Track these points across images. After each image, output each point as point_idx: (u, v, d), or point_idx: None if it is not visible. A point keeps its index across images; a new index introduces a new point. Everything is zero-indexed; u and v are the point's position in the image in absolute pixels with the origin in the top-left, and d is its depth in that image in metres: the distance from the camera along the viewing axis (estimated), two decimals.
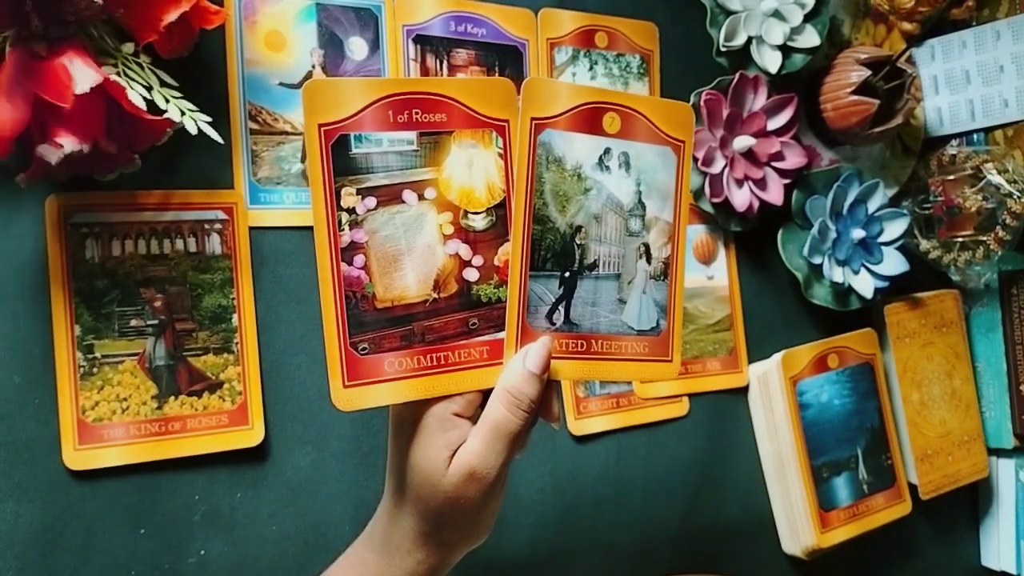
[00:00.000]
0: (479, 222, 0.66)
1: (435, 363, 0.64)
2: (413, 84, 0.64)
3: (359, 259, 0.63)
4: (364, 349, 0.63)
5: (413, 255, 0.64)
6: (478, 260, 0.66)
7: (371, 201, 0.63)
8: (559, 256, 0.67)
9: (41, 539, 0.80)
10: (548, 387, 0.66)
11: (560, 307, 0.67)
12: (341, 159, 0.62)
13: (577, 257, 0.68)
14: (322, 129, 0.61)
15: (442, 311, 0.65)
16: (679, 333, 0.72)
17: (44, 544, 0.80)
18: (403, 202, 0.64)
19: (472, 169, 0.66)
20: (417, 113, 0.63)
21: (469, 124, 0.65)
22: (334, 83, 0.66)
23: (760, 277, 1.18)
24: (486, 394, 0.65)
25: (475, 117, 0.65)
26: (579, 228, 0.67)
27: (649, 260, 0.70)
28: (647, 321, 0.71)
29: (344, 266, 0.63)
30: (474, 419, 0.65)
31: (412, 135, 0.64)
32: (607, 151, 0.68)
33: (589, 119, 0.67)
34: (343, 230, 0.62)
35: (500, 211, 0.67)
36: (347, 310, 0.63)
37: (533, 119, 0.65)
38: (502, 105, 0.66)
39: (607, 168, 0.68)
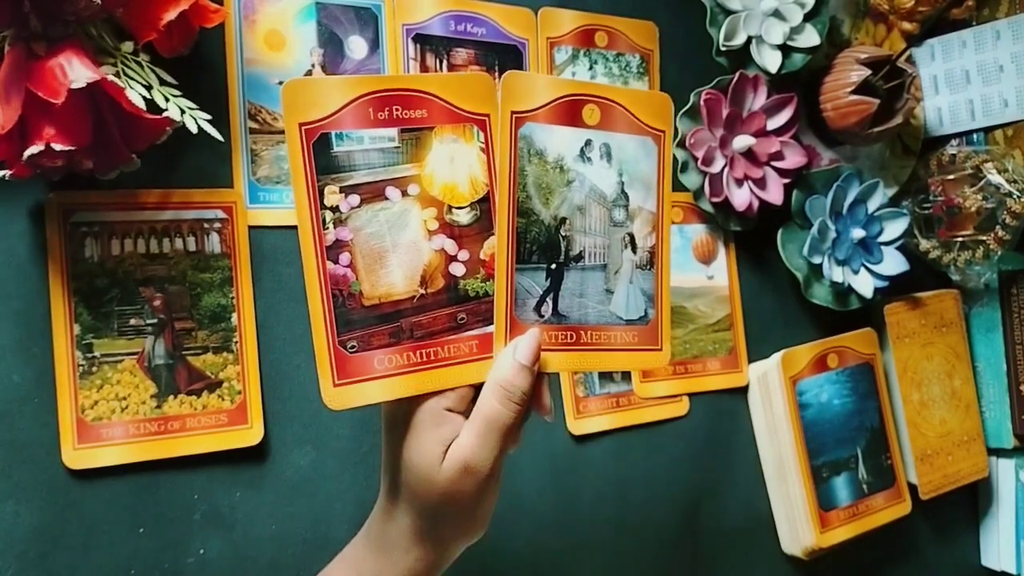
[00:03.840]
0: (463, 217, 0.66)
1: (425, 359, 0.64)
2: (392, 81, 0.64)
3: (344, 257, 0.63)
4: (353, 347, 0.63)
5: (398, 251, 0.64)
6: (464, 255, 0.66)
7: (354, 199, 0.63)
8: (545, 248, 0.67)
9: (41, 539, 0.80)
10: (539, 379, 0.66)
11: (548, 299, 0.67)
12: (323, 157, 0.62)
13: (563, 249, 0.68)
14: (303, 128, 0.62)
15: (430, 307, 0.65)
16: (667, 321, 0.72)
17: (44, 544, 0.80)
18: (387, 199, 0.64)
19: (454, 164, 0.66)
20: (397, 110, 0.64)
21: (450, 119, 0.65)
22: (313, 82, 0.67)
23: (760, 277, 1.18)
24: (477, 388, 0.65)
25: (455, 112, 0.66)
26: (563, 220, 0.68)
27: (635, 250, 0.71)
28: (635, 310, 0.71)
29: (330, 264, 0.63)
30: (466, 414, 0.65)
31: (393, 132, 0.64)
32: (588, 142, 0.68)
33: (569, 111, 0.67)
34: (327, 228, 0.63)
35: (484, 205, 0.67)
36: (334, 308, 0.63)
37: (513, 112, 0.65)
38: (482, 99, 0.66)
39: (589, 159, 0.68)
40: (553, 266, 0.67)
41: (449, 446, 0.63)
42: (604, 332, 0.70)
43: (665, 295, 0.72)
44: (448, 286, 0.66)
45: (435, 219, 0.65)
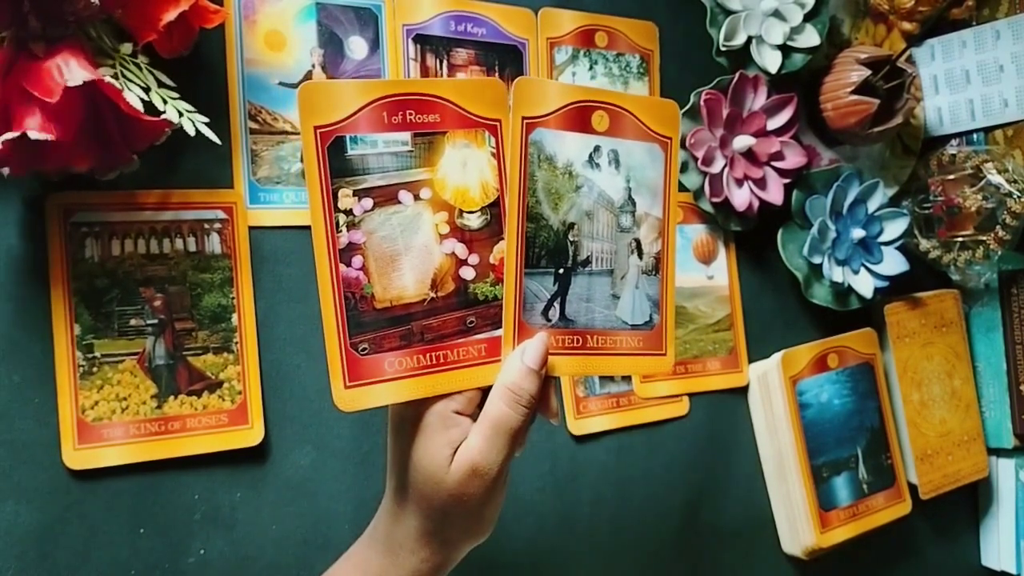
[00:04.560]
0: (474, 221, 0.66)
1: (434, 362, 0.65)
2: (406, 85, 0.65)
3: (357, 260, 0.63)
4: (364, 349, 0.63)
5: (410, 255, 0.65)
6: (474, 259, 0.66)
7: (368, 202, 0.63)
8: (553, 253, 0.67)
9: (41, 539, 0.80)
10: (546, 383, 0.66)
11: (555, 304, 0.67)
12: (337, 161, 0.63)
13: (571, 254, 0.68)
14: (318, 131, 0.62)
15: (440, 310, 0.65)
16: (672, 327, 0.73)
17: (44, 544, 0.80)
18: (399, 202, 0.64)
19: (466, 169, 0.66)
20: (411, 114, 0.64)
21: (462, 124, 0.66)
22: (329, 85, 0.67)
23: (760, 277, 1.18)
24: (485, 391, 0.65)
25: (468, 117, 0.66)
26: (572, 225, 0.68)
27: (640, 255, 0.71)
28: (640, 316, 0.71)
29: (343, 267, 0.63)
30: (474, 416, 0.65)
31: (406, 136, 0.64)
32: (597, 148, 0.68)
33: (578, 117, 0.67)
34: (341, 231, 0.63)
35: (494, 210, 0.67)
36: (347, 311, 0.63)
37: (524, 118, 0.65)
38: (494, 105, 0.67)
39: (597, 165, 0.69)
40: (561, 271, 0.68)
41: (457, 448, 0.63)
42: (610, 337, 0.70)
43: (670, 301, 0.73)
44: (458, 290, 0.66)
45: (446, 223, 0.66)
